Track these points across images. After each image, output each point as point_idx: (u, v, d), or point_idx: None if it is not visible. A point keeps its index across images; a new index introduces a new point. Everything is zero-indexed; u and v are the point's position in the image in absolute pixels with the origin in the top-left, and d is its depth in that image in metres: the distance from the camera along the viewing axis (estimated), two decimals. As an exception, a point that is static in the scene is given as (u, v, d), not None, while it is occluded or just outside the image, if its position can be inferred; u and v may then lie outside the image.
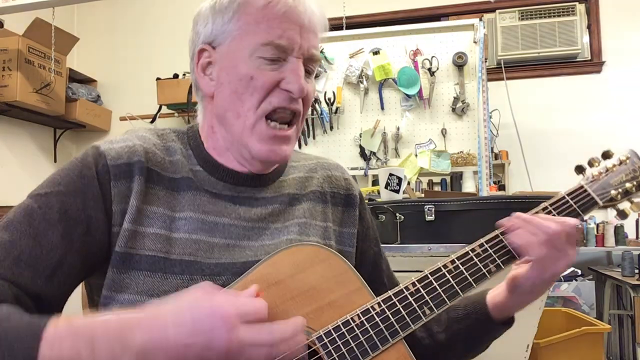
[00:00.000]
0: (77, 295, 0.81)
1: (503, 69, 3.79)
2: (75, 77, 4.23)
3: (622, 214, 0.86)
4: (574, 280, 3.31)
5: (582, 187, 0.85)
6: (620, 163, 0.87)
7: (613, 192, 0.85)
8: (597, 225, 3.43)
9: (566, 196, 0.84)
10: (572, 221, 0.78)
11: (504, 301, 0.83)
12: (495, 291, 0.86)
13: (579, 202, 0.83)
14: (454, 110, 2.63)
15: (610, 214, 0.92)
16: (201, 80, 0.82)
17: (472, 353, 0.90)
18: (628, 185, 0.85)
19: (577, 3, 3.77)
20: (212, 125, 0.83)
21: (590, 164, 0.88)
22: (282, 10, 0.76)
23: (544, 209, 0.82)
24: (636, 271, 3.04)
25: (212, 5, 0.80)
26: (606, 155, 0.89)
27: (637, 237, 3.51)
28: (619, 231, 3.36)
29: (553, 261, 0.76)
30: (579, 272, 3.40)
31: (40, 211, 0.71)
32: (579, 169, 0.88)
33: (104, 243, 0.73)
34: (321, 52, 2.73)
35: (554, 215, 0.82)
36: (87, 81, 4.40)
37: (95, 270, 0.74)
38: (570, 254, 0.77)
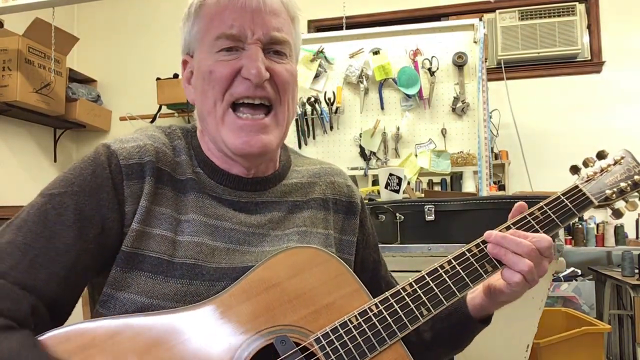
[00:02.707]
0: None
1: (503, 69, 3.79)
2: (75, 77, 4.23)
3: (617, 213, 0.87)
4: (574, 280, 3.30)
5: (577, 186, 0.85)
6: (615, 163, 0.87)
7: (608, 191, 0.85)
8: (597, 225, 3.42)
9: (561, 196, 0.84)
10: (545, 240, 0.77)
11: (481, 303, 0.84)
12: (473, 293, 0.87)
13: (574, 202, 0.83)
14: (454, 110, 2.63)
15: (609, 213, 0.92)
16: (186, 91, 0.84)
17: (454, 350, 0.92)
18: (623, 184, 0.85)
19: (577, 3, 3.77)
20: (202, 130, 0.84)
21: (585, 164, 0.89)
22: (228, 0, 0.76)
23: (539, 208, 0.82)
24: (636, 271, 3.03)
25: (183, 17, 0.82)
26: (601, 155, 0.89)
27: (637, 237, 3.51)
28: (619, 231, 3.36)
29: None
30: (579, 272, 3.39)
31: (55, 212, 0.70)
32: (574, 169, 0.88)
33: (115, 243, 0.73)
34: (321, 52, 2.73)
35: (548, 215, 0.82)
36: (87, 81, 4.40)
37: (104, 269, 0.74)
38: (542, 268, 0.77)
